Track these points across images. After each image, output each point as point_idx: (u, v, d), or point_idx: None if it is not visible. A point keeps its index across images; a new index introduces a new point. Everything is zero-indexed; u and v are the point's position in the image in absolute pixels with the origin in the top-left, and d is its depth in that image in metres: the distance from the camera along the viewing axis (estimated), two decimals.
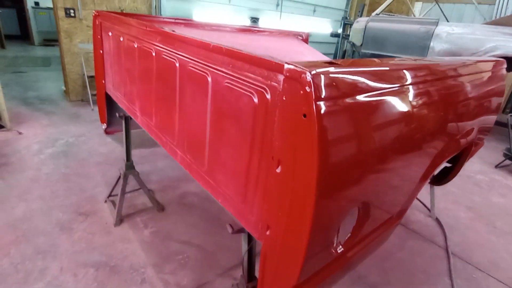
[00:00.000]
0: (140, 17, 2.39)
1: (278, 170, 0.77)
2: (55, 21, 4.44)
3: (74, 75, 4.63)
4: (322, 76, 0.66)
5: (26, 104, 4.37)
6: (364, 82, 0.77)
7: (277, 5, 6.68)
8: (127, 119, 2.15)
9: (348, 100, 0.72)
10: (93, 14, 2.18)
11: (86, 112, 4.31)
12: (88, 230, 2.10)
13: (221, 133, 1.02)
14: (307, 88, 0.65)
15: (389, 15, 5.75)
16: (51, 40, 9.00)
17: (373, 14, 5.53)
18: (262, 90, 0.82)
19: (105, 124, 2.52)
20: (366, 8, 8.34)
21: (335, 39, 7.83)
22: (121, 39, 1.80)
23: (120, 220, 2.19)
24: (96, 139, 3.50)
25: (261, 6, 6.44)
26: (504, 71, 2.01)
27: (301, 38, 3.38)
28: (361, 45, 5.38)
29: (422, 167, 1.13)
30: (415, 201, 2.89)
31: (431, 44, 4.60)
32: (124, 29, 1.75)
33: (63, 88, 4.98)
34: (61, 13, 4.24)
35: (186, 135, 1.27)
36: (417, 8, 7.93)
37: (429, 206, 2.75)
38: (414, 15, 7.19)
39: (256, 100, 0.84)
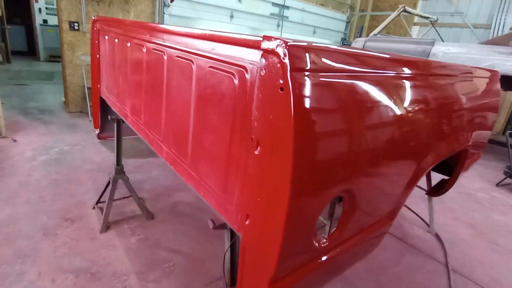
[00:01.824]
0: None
1: (256, 152, 0.74)
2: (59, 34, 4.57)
3: (75, 87, 4.69)
4: (299, 48, 0.65)
5: (25, 114, 4.39)
6: (345, 62, 0.76)
7: (278, 25, 6.89)
8: (119, 122, 2.15)
9: (327, 76, 0.70)
10: (92, 19, 2.23)
11: (84, 123, 4.32)
12: (72, 236, 2.02)
13: (204, 121, 1.02)
14: (283, 59, 0.63)
15: (386, 35, 5.90)
16: (56, 56, 9.23)
17: (371, 34, 5.68)
18: (242, 69, 0.81)
19: (98, 129, 2.51)
20: (365, 31, 8.60)
21: None
22: (116, 40, 1.83)
23: (106, 226, 2.12)
24: (91, 148, 3.47)
25: (261, 26, 6.64)
26: (498, 83, 2.01)
27: None
28: None
29: (409, 164, 1.09)
30: (414, 216, 2.80)
31: None
32: (118, 30, 1.78)
33: (63, 99, 5.03)
34: (66, 26, 4.37)
35: (172, 128, 1.27)
36: (415, 31, 8.16)
37: (428, 221, 2.66)
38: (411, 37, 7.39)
39: (236, 81, 0.84)
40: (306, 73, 0.66)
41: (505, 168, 3.77)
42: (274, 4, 6.65)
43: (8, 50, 8.40)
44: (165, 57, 1.25)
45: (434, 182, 2.15)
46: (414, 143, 1.09)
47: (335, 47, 0.76)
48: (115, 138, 2.20)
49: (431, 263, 2.19)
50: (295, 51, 0.64)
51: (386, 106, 0.87)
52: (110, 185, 2.18)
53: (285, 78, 0.63)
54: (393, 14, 5.62)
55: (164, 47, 1.25)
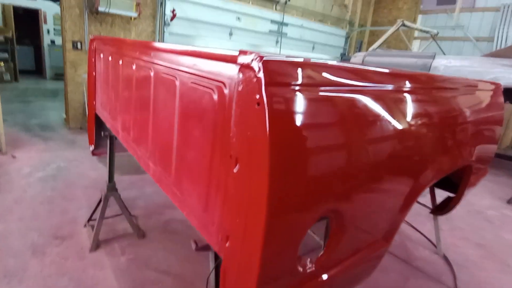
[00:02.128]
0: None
1: (235, 170, 0.70)
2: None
3: (75, 104, 4.74)
4: (274, 62, 0.63)
5: (26, 130, 4.42)
6: (322, 75, 0.72)
7: (277, 41, 6.97)
8: (112, 139, 2.12)
9: (305, 90, 0.66)
10: (90, 39, 2.26)
11: (82, 139, 4.33)
12: (61, 255, 1.95)
13: (186, 138, 1.00)
14: (257, 73, 0.61)
15: (386, 50, 5.91)
16: (61, 75, 9.40)
17: (370, 49, 5.70)
18: (221, 85, 0.80)
19: (92, 145, 2.48)
20: (365, 46, 8.66)
21: None
22: (109, 58, 1.84)
23: (96, 245, 2.04)
24: (88, 164, 3.45)
25: (260, 42, 6.73)
26: (501, 96, 1.95)
27: None
28: None
29: (405, 182, 1.02)
30: (419, 236, 2.67)
31: None
32: (112, 48, 1.80)
33: (64, 116, 5.07)
34: (69, 46, 4.46)
35: (157, 145, 1.25)
36: (416, 45, 8.19)
37: (434, 241, 2.53)
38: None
39: (216, 96, 0.82)
40: (282, 88, 0.63)
41: None
42: (272, 21, 6.76)
43: (17, 69, 8.65)
44: (152, 74, 1.25)
45: (439, 199, 2.05)
46: (409, 158, 1.03)
47: (314, 60, 0.72)
48: (107, 155, 2.17)
49: (439, 287, 2.06)
50: (271, 65, 0.62)
51: (373, 120, 0.82)
52: (101, 202, 2.12)
53: (260, 93, 0.60)
54: (392, 29, 5.66)
55: (151, 64, 1.25)
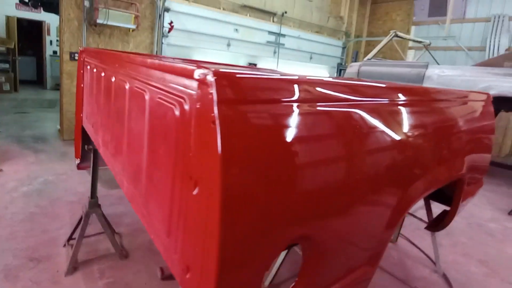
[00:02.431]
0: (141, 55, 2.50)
1: (195, 192, 0.65)
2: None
3: (70, 115, 4.69)
4: (229, 77, 0.57)
5: (19, 142, 4.35)
6: (283, 90, 0.66)
7: (274, 52, 6.99)
8: (96, 152, 2.05)
9: (263, 106, 0.60)
10: (79, 50, 2.22)
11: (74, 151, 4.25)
12: (34, 279, 1.84)
13: (153, 155, 0.94)
14: (211, 89, 0.56)
15: (381, 59, 5.91)
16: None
17: (365, 59, 5.69)
18: (182, 100, 0.74)
19: (78, 159, 2.41)
20: (361, 56, 8.69)
21: None
22: (94, 70, 1.81)
23: (73, 267, 1.93)
24: (77, 178, 3.36)
25: (258, 53, 6.74)
26: (490, 106, 1.88)
27: None
28: None
29: (387, 199, 0.93)
30: (418, 253, 2.55)
31: (424, 85, 4.60)
32: (96, 60, 1.77)
33: (58, 127, 5.02)
34: (66, 57, 4.46)
35: (130, 162, 1.19)
36: (411, 55, 8.21)
37: (434, 258, 2.41)
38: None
39: (177, 112, 0.77)
40: (238, 105, 0.57)
41: None
42: (270, 32, 6.79)
43: (17, 79, 8.76)
44: (127, 87, 1.20)
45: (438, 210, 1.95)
46: (395, 173, 0.95)
47: (275, 75, 0.67)
48: (91, 169, 2.09)
49: None
50: (225, 80, 0.56)
51: (347, 133, 0.74)
52: (82, 220, 2.03)
53: (213, 110, 0.55)
54: (385, 39, 5.67)
55: (126, 77, 1.20)
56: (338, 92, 0.79)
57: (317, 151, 0.68)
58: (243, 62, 6.54)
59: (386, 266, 2.31)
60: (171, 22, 5.19)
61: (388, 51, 7.80)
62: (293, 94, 0.67)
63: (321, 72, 8.14)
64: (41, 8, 5.95)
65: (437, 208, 1.86)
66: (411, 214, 2.62)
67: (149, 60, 0.97)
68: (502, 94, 3.95)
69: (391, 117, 0.93)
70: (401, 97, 1.07)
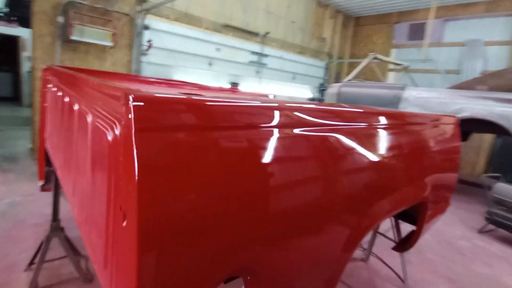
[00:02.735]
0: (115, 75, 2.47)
1: (124, 224, 0.62)
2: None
3: None
4: (152, 101, 0.55)
5: None
6: (206, 114, 0.63)
7: (257, 71, 7.12)
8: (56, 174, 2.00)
9: (184, 132, 0.59)
10: (43, 68, 2.20)
11: None
12: None
13: (93, 183, 0.91)
14: (130, 114, 0.54)
15: (360, 81, 6.11)
16: None
17: (345, 80, 5.87)
18: (113, 125, 0.71)
19: (42, 180, 2.33)
20: (343, 76, 8.96)
21: None
22: (53, 89, 1.77)
23: None
24: (45, 199, 3.24)
25: (241, 72, 6.85)
26: (457, 128, 1.97)
27: None
28: None
29: (337, 227, 0.94)
30: (389, 272, 2.56)
31: (401, 106, 4.77)
32: (57, 80, 1.74)
33: (30, 146, 4.88)
34: (38, 74, 4.39)
35: (77, 188, 1.16)
36: (391, 77, 8.53)
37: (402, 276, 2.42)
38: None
39: (110, 137, 0.73)
40: (159, 131, 0.55)
41: (485, 214, 3.61)
42: (253, 52, 6.94)
43: None
44: (75, 108, 1.17)
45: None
46: (347, 199, 0.95)
47: (198, 96, 0.64)
48: (52, 191, 2.03)
49: None
50: (147, 104, 0.54)
51: (282, 159, 0.74)
52: (43, 244, 1.95)
53: (132, 137, 0.53)
54: (365, 61, 5.88)
55: (75, 97, 1.18)
56: (267, 117, 0.76)
57: (255, 175, 0.67)
58: (225, 81, 6.61)
59: (355, 285, 2.30)
60: (150, 41, 5.24)
61: (370, 72, 8.09)
62: (215, 119, 0.64)
63: (304, 91, 8.32)
64: (17, 23, 5.89)
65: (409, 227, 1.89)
66: (381, 234, 2.64)
67: (89, 80, 0.95)
68: (474, 116, 4.15)
69: (337, 141, 0.93)
70: (354, 121, 1.06)
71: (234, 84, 6.74)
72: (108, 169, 0.75)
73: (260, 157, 0.71)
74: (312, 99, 7.84)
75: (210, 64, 6.26)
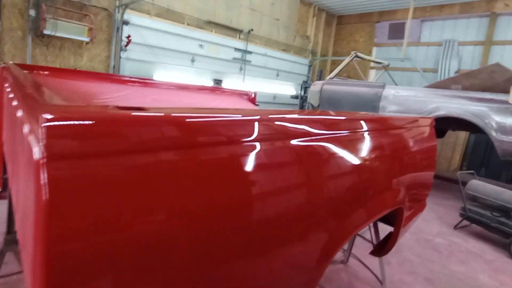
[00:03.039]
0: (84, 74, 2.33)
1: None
2: None
3: None
4: (65, 121, 0.48)
5: None
6: (133, 134, 0.55)
7: (241, 68, 7.04)
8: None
9: (113, 160, 0.52)
10: (1, 66, 2.05)
11: None
12: None
13: (24, 200, 0.80)
14: (39, 139, 0.47)
15: (342, 79, 6.15)
16: None
17: (327, 78, 5.88)
18: (33, 143, 0.62)
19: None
20: (326, 74, 9.02)
21: (297, 101, 8.28)
22: (8, 89, 1.64)
23: None
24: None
25: (224, 69, 6.75)
26: (432, 128, 1.98)
27: (246, 97, 3.41)
28: (318, 105, 5.60)
29: (311, 237, 0.90)
30: (368, 273, 2.57)
31: (381, 104, 4.83)
32: (11, 80, 1.60)
33: None
34: None
35: (19, 202, 1.04)
36: (372, 75, 8.66)
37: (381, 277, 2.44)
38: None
39: (35, 157, 0.64)
40: (76, 158, 0.48)
41: (460, 210, 3.71)
42: (236, 49, 6.85)
43: None
44: (19, 114, 1.06)
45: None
46: (317, 209, 0.90)
47: (129, 112, 0.55)
48: (7, 201, 1.89)
49: None
50: (62, 126, 0.47)
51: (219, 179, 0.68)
52: None
53: (40, 169, 0.46)
54: (347, 59, 5.92)
55: (20, 101, 1.06)
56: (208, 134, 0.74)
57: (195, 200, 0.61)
58: (208, 78, 6.50)
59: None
60: (129, 36, 5.06)
61: (353, 70, 8.16)
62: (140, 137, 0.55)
63: (288, 88, 8.31)
64: None
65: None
66: (361, 236, 2.65)
67: (24, 84, 0.85)
68: (449, 114, 4.27)
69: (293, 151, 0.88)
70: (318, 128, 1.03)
71: (218, 81, 6.63)
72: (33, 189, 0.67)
73: (207, 176, 0.65)
74: (296, 97, 7.84)
75: (192, 60, 6.13)
